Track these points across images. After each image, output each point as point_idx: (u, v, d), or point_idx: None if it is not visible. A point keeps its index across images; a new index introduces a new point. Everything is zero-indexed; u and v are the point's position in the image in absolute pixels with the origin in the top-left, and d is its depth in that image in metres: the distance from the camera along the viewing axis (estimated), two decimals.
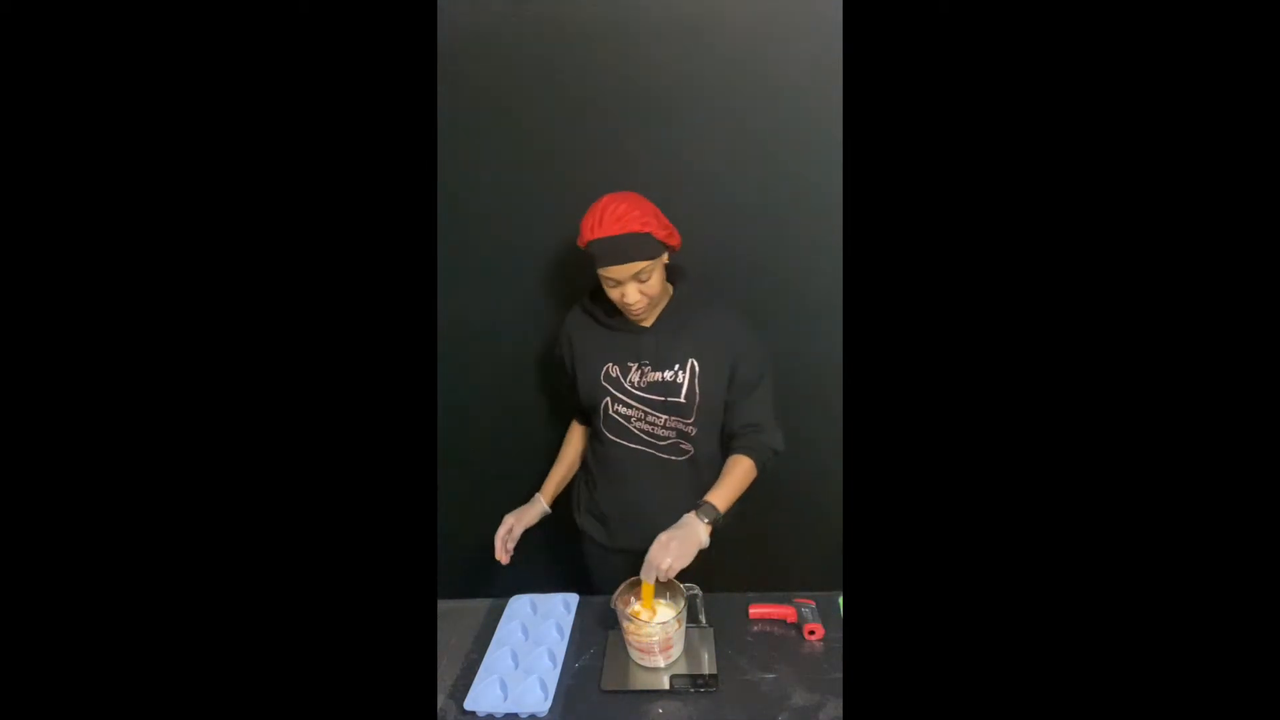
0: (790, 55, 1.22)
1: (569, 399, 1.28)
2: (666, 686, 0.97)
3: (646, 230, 1.03)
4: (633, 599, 1.05)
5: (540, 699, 0.94)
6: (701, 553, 1.03)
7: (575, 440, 1.33)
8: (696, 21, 1.21)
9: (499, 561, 1.18)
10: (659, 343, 1.14)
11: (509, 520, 1.22)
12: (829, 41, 1.18)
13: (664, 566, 0.99)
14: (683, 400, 1.13)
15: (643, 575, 1.02)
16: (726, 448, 1.18)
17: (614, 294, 1.08)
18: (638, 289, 1.06)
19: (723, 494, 1.10)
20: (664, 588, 1.05)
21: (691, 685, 0.97)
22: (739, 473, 1.13)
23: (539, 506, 1.26)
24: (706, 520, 1.06)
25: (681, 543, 1.02)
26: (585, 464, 1.31)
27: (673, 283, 1.17)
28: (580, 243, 1.06)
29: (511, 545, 1.20)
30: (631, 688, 0.98)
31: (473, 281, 1.42)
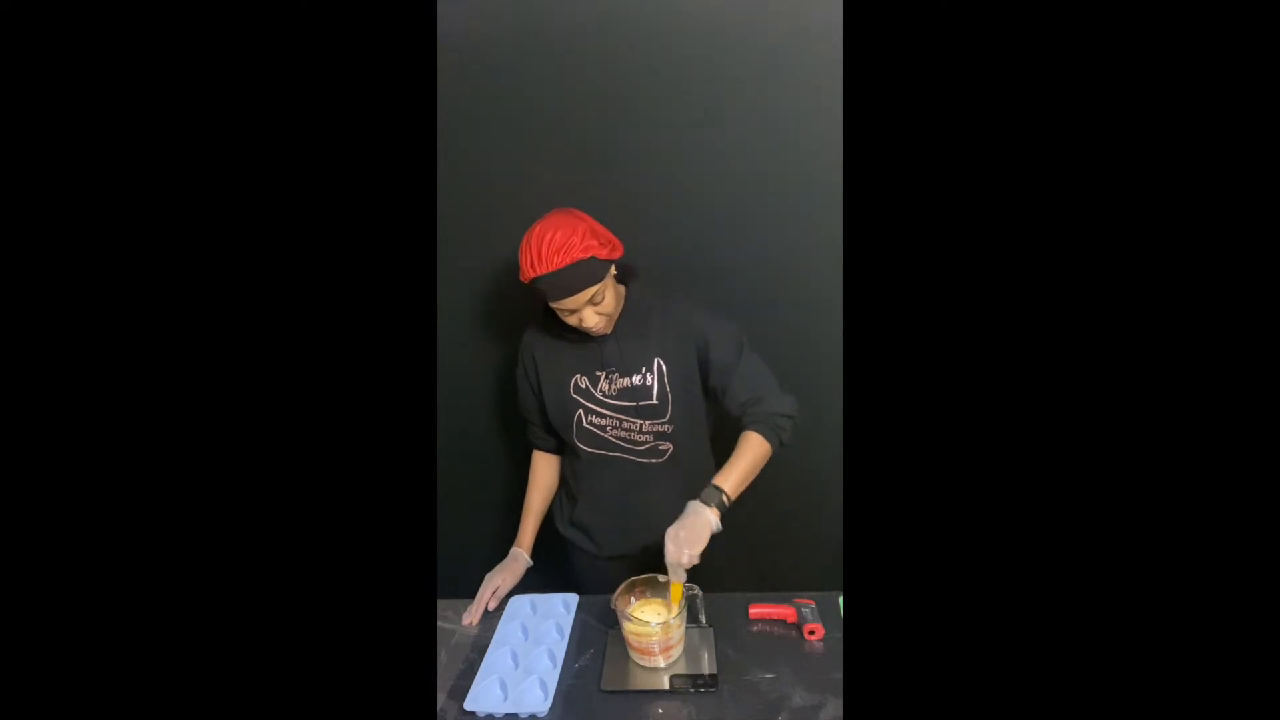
0: (790, 51, 1.22)
1: (533, 421, 1.26)
2: (666, 686, 0.97)
3: (590, 255, 0.99)
4: (633, 599, 1.05)
5: (540, 699, 0.94)
6: (702, 552, 1.02)
7: (541, 477, 1.29)
8: (697, 20, 1.21)
9: (468, 622, 1.14)
10: (623, 348, 1.12)
11: (495, 580, 1.18)
12: (829, 38, 1.18)
13: (684, 562, 0.99)
14: (655, 402, 1.12)
15: (672, 577, 1.01)
16: (736, 430, 1.17)
17: (571, 320, 1.06)
18: (594, 311, 1.04)
19: (731, 476, 1.08)
20: (664, 588, 1.05)
21: (691, 685, 0.97)
22: (747, 451, 1.10)
23: (522, 561, 1.22)
24: (713, 504, 1.05)
25: (690, 531, 1.01)
26: (564, 480, 1.29)
27: (624, 283, 1.13)
28: (522, 278, 1.02)
29: (494, 605, 1.16)
30: (631, 688, 0.98)
31: (472, 279, 1.42)
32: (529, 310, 1.21)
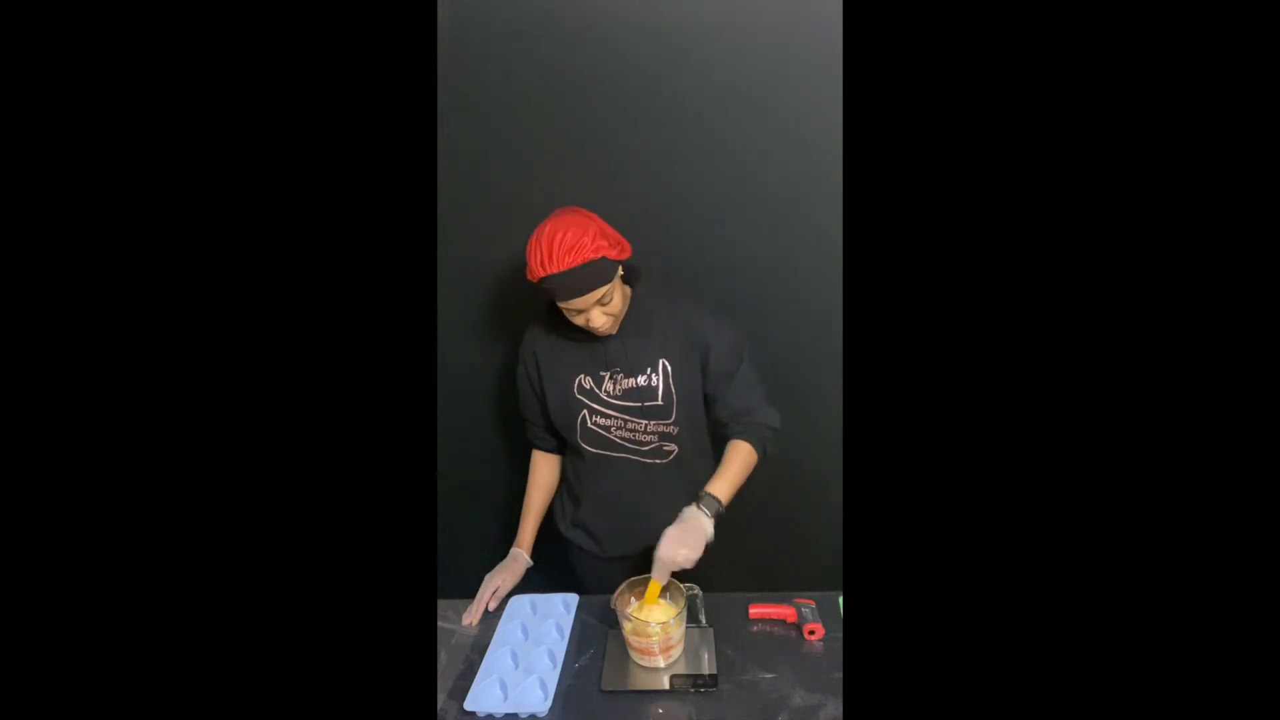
0: (790, 51, 1.22)
1: (533, 421, 1.26)
2: (666, 686, 0.97)
3: (600, 255, 0.99)
4: (633, 599, 1.05)
5: (540, 699, 0.94)
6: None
7: (541, 477, 1.29)
8: (698, 20, 1.21)
9: (468, 623, 1.14)
10: (627, 348, 1.12)
11: (495, 580, 1.18)
12: (829, 36, 1.18)
13: (679, 561, 1.00)
14: (660, 403, 1.13)
15: (655, 575, 1.02)
16: (721, 436, 1.17)
17: (578, 320, 1.06)
18: (602, 312, 1.04)
19: (723, 483, 1.09)
20: (664, 588, 1.05)
21: (691, 685, 0.97)
22: (738, 459, 1.12)
23: (522, 561, 1.22)
24: (709, 512, 1.05)
25: (690, 534, 1.02)
26: (566, 480, 1.29)
27: (629, 283, 1.13)
28: (530, 277, 1.02)
29: (494, 605, 1.16)
30: (631, 688, 0.98)
31: (472, 279, 1.42)
32: (530, 309, 1.21)
